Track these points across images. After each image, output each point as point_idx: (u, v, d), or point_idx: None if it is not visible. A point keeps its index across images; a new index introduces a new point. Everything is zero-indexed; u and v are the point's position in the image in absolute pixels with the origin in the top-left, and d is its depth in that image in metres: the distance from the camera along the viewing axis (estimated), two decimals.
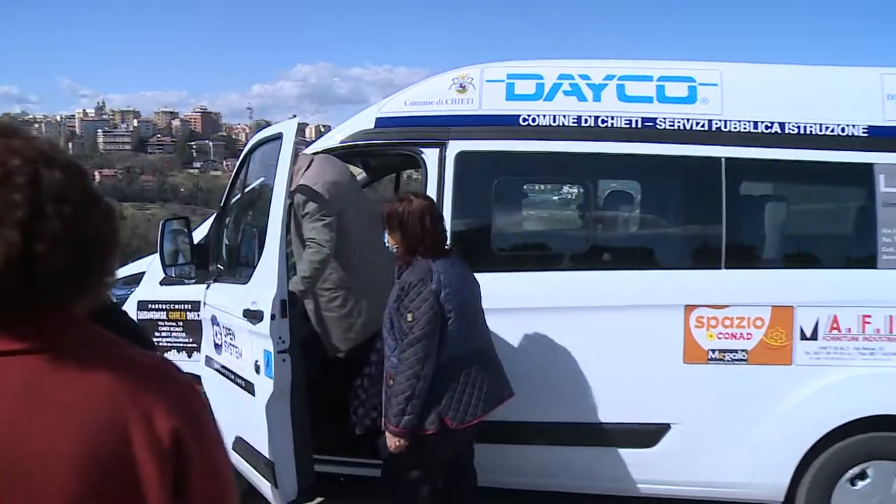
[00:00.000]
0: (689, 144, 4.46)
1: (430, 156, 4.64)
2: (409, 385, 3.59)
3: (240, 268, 4.49)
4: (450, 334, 3.68)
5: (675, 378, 4.40)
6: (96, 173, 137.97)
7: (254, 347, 3.95)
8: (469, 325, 3.78)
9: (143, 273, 5.29)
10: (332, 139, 4.90)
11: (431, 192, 4.58)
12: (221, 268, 4.79)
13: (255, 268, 4.08)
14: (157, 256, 4.92)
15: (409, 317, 3.63)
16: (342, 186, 4.72)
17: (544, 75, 4.63)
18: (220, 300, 4.52)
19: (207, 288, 4.78)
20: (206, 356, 4.78)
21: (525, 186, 5.24)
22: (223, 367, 4.50)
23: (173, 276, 4.93)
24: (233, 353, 4.32)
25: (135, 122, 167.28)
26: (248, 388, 4.06)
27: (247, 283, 4.14)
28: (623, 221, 5.16)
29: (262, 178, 4.59)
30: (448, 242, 3.99)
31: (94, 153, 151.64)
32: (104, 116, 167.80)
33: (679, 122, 4.47)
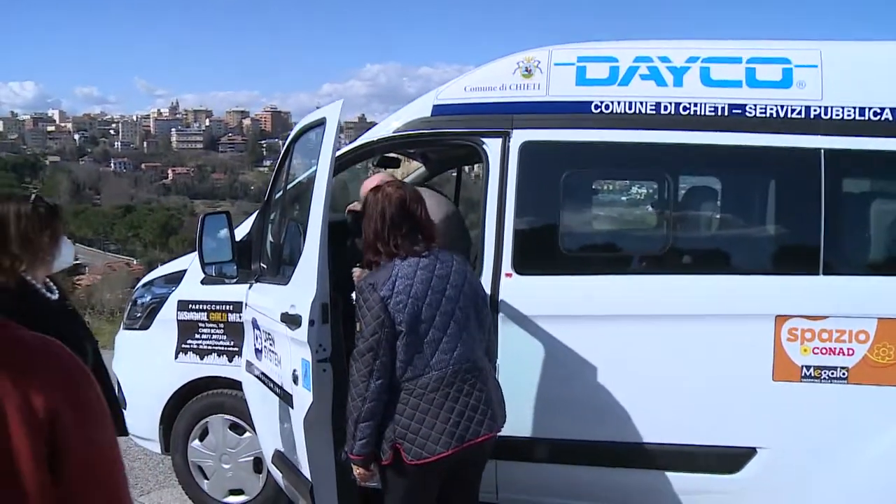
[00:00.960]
0: (784, 134, 3.96)
1: (492, 146, 4.24)
2: (354, 406, 3.12)
3: (283, 267, 4.13)
4: (401, 350, 3.13)
5: (763, 397, 3.93)
6: (169, 171, 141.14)
7: (292, 355, 3.57)
8: (430, 340, 3.16)
9: (185, 271, 4.98)
10: (387, 128, 4.50)
11: (493, 186, 4.20)
12: (265, 267, 4.43)
13: (295, 267, 3.71)
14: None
15: (358, 326, 3.17)
16: (451, 223, 4.57)
17: (619, 58, 4.19)
18: (262, 302, 4.17)
19: (250, 288, 4.45)
20: (247, 361, 4.45)
21: (596, 181, 4.77)
22: (263, 374, 4.15)
23: (213, 274, 4.60)
24: (272, 359, 3.96)
25: (207, 122, 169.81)
26: (286, 398, 3.69)
27: (287, 284, 3.78)
28: (705, 220, 4.64)
29: (307, 170, 4.22)
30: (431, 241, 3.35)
31: (168, 151, 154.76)
32: (178, 116, 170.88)
33: (772, 108, 3.97)
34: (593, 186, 4.72)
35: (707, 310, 3.95)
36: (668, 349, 3.99)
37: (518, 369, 4.09)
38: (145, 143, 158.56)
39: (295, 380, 3.53)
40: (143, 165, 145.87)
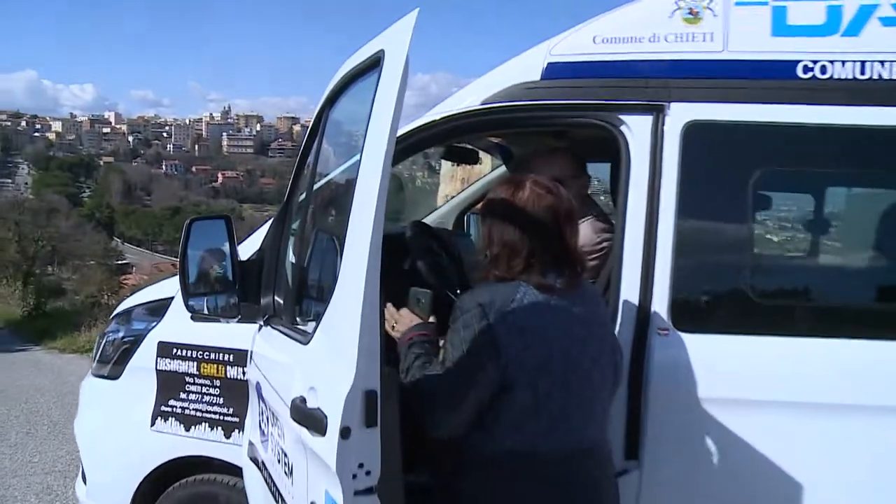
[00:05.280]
0: None
1: (637, 128, 2.77)
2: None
3: (307, 304, 2.60)
4: (515, 412, 2.10)
5: None
6: (219, 174, 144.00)
7: (310, 476, 2.00)
8: (566, 405, 2.14)
9: (172, 298, 3.46)
10: (472, 98, 2.94)
11: (637, 191, 2.74)
12: (280, 302, 2.89)
13: (322, 312, 2.14)
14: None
15: (441, 356, 2.19)
16: None
17: None
18: (270, 361, 2.64)
19: (259, 331, 2.94)
20: (249, 442, 2.93)
21: (809, 184, 3.16)
22: (269, 475, 2.61)
23: (205, 311, 3.07)
24: (280, 458, 2.42)
25: (258, 127, 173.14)
26: None
27: (308, 342, 2.21)
28: None
29: (349, 152, 2.62)
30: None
31: (218, 155, 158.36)
32: (229, 120, 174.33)
33: None
34: (805, 191, 3.13)
35: None
36: None
37: (674, 475, 2.60)
38: (197, 147, 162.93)
39: None
40: (193, 168, 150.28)
